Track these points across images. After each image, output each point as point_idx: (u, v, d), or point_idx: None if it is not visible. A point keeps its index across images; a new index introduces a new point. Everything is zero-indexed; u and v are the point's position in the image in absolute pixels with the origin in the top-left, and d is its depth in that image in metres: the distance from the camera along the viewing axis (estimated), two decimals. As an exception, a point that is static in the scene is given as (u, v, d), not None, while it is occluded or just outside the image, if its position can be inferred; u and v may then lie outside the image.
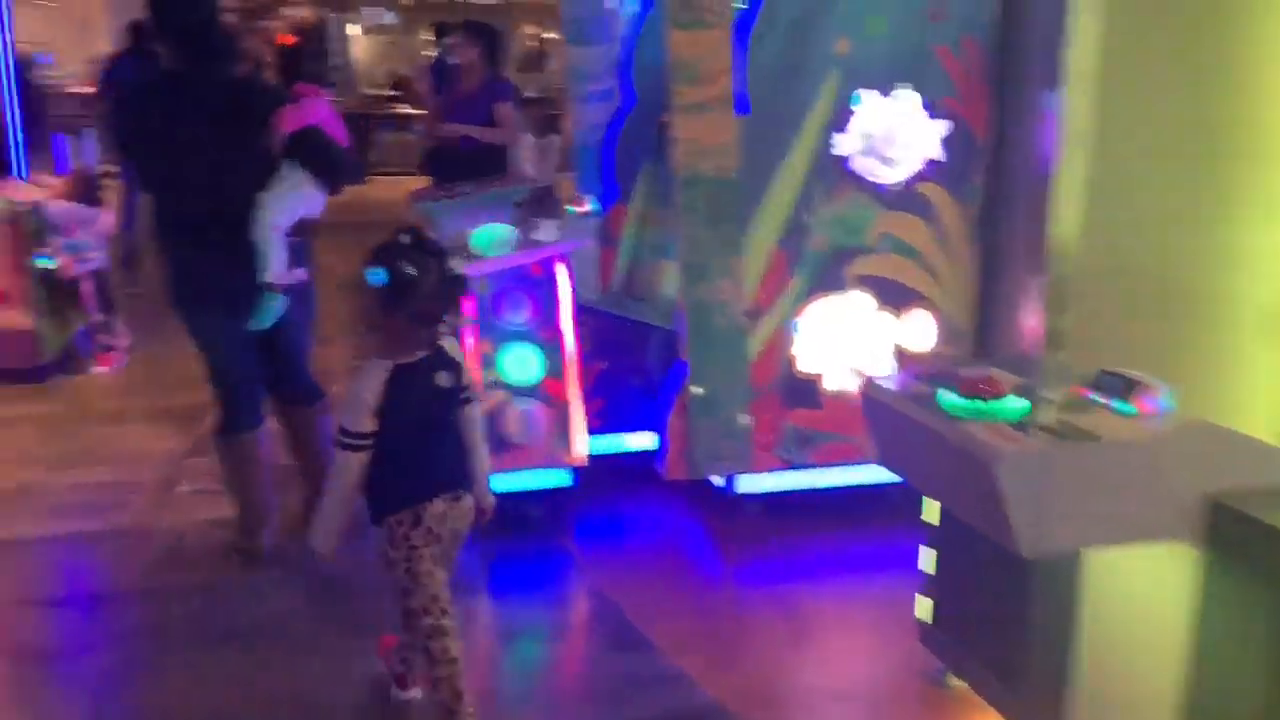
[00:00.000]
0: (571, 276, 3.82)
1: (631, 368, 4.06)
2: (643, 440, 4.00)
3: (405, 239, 2.30)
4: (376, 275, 2.24)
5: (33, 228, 5.42)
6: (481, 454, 2.57)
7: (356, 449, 2.33)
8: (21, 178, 6.17)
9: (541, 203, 3.99)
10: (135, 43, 8.16)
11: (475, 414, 2.54)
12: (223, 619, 3.22)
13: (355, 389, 2.33)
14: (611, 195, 4.43)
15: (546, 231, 4.03)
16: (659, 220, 4.16)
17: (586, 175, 4.54)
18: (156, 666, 3.01)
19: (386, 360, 2.32)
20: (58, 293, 5.61)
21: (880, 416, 2.43)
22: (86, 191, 5.66)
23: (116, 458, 4.53)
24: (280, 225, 3.30)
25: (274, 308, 3.37)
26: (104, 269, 5.72)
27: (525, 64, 16.72)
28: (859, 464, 3.70)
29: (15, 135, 6.27)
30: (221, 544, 3.62)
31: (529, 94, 12.08)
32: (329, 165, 3.37)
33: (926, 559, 2.81)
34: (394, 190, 7.55)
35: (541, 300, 3.75)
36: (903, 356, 3.75)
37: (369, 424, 2.31)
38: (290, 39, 12.36)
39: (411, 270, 2.24)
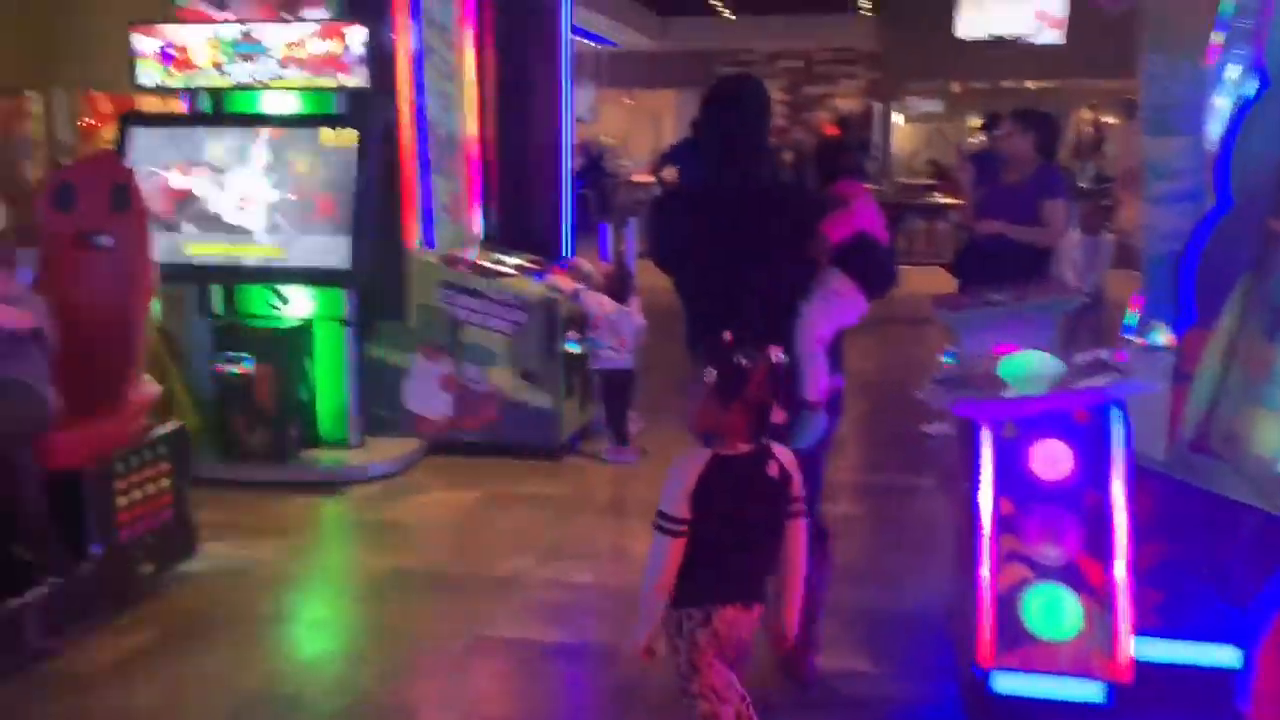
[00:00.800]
0: (1128, 426, 2.93)
1: (1205, 554, 3.01)
2: (1216, 655, 2.93)
3: (728, 337, 2.37)
4: (708, 372, 2.33)
5: (566, 315, 5.58)
6: (797, 577, 2.45)
7: (672, 534, 2.32)
8: (566, 260, 6.45)
9: (1088, 321, 3.16)
10: (694, 138, 8.51)
11: (801, 531, 2.44)
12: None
13: (675, 473, 2.35)
14: (1188, 319, 3.44)
15: (1097, 366, 3.17)
16: (1257, 356, 3.10)
17: (1158, 296, 3.58)
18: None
19: (708, 450, 2.35)
20: (580, 378, 5.73)
21: None
22: (620, 288, 5.71)
23: (601, 555, 4.38)
24: (824, 337, 2.94)
25: (814, 427, 2.94)
26: (624, 366, 5.67)
27: (1077, 150, 15.35)
28: None
29: (566, 221, 6.60)
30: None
31: (1080, 184, 10.90)
32: (879, 274, 3.09)
33: None
34: (918, 282, 6.91)
35: (1085, 454, 2.90)
36: None
37: (685, 509, 2.31)
38: (833, 130, 12.34)
39: (741, 364, 2.32)
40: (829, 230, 2.98)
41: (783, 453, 2.41)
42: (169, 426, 4.03)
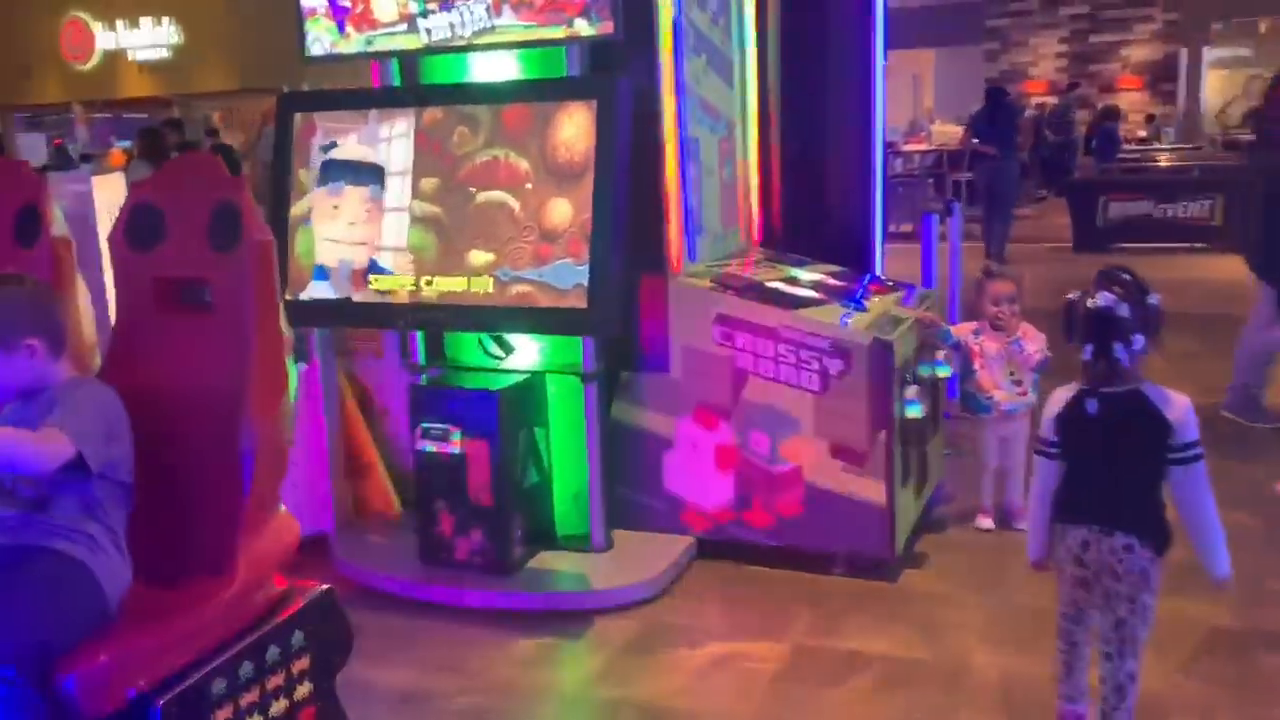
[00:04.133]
0: None
1: None
2: None
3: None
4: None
5: (901, 362, 3.60)
6: (1203, 525, 2.32)
7: (1041, 454, 2.47)
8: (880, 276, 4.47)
9: None
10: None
11: (1190, 477, 2.30)
12: None
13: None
14: None
15: None
16: None
17: None
18: None
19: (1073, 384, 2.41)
20: (918, 455, 3.76)
21: None
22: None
23: None
24: None
25: None
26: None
27: None
28: None
29: (878, 221, 4.58)
30: None
31: None
32: None
33: None
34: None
35: None
36: None
37: (1051, 433, 2.43)
38: None
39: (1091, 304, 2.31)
40: None
41: (1160, 397, 2.31)
42: (309, 595, 2.38)
